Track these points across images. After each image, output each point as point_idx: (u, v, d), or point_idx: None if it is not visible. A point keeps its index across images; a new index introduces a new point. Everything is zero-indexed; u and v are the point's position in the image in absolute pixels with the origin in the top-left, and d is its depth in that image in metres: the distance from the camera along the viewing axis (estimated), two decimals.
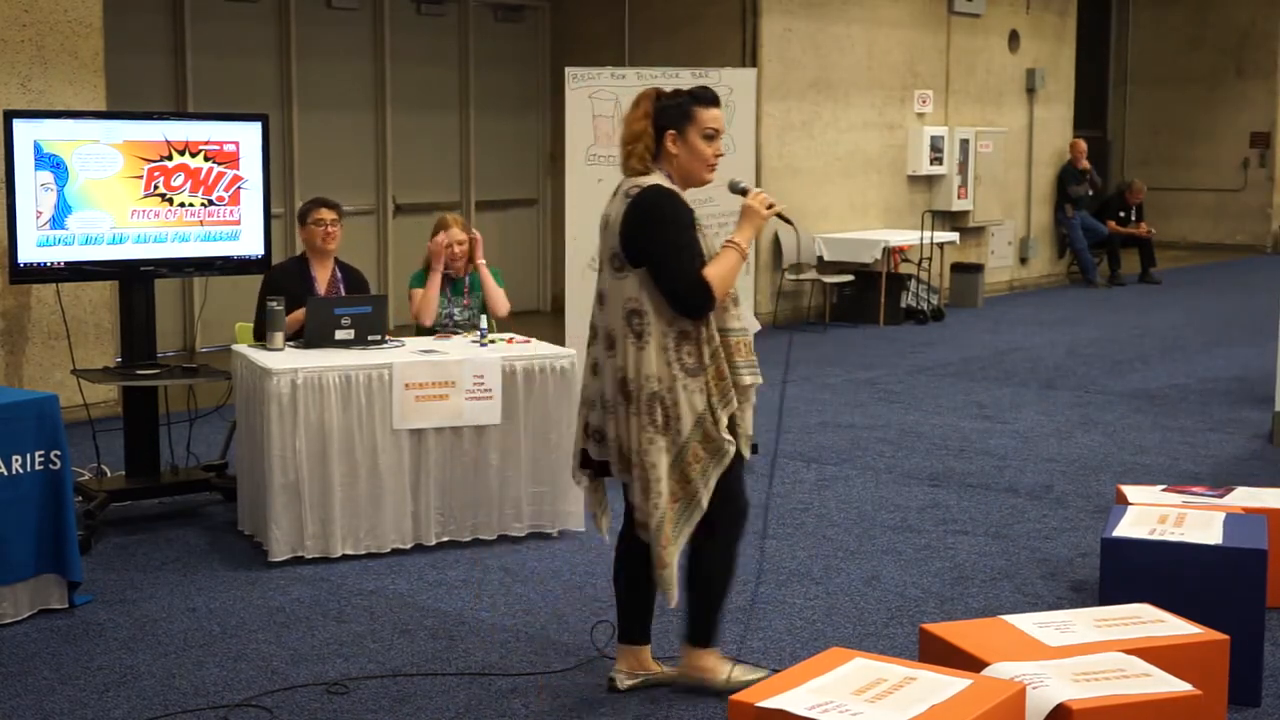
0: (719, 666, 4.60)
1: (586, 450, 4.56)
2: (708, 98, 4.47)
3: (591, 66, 7.84)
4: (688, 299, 4.32)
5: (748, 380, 4.45)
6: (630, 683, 4.63)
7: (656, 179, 4.43)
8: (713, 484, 4.40)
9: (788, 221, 4.66)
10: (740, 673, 4.56)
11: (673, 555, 4.40)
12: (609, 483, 4.65)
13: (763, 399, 4.83)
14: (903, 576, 5.84)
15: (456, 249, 7.05)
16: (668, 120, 4.43)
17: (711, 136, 4.45)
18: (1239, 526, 4.88)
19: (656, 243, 4.33)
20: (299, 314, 6.50)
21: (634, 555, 4.55)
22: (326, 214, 6.93)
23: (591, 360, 4.53)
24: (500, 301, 7.11)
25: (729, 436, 4.39)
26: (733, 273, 4.39)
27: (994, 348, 12.08)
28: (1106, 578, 4.73)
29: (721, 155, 4.50)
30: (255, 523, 6.19)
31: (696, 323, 4.35)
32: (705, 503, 4.40)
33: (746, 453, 4.50)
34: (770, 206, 4.51)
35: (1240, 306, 14.51)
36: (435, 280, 7.00)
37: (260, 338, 6.53)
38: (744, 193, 4.59)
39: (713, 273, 4.34)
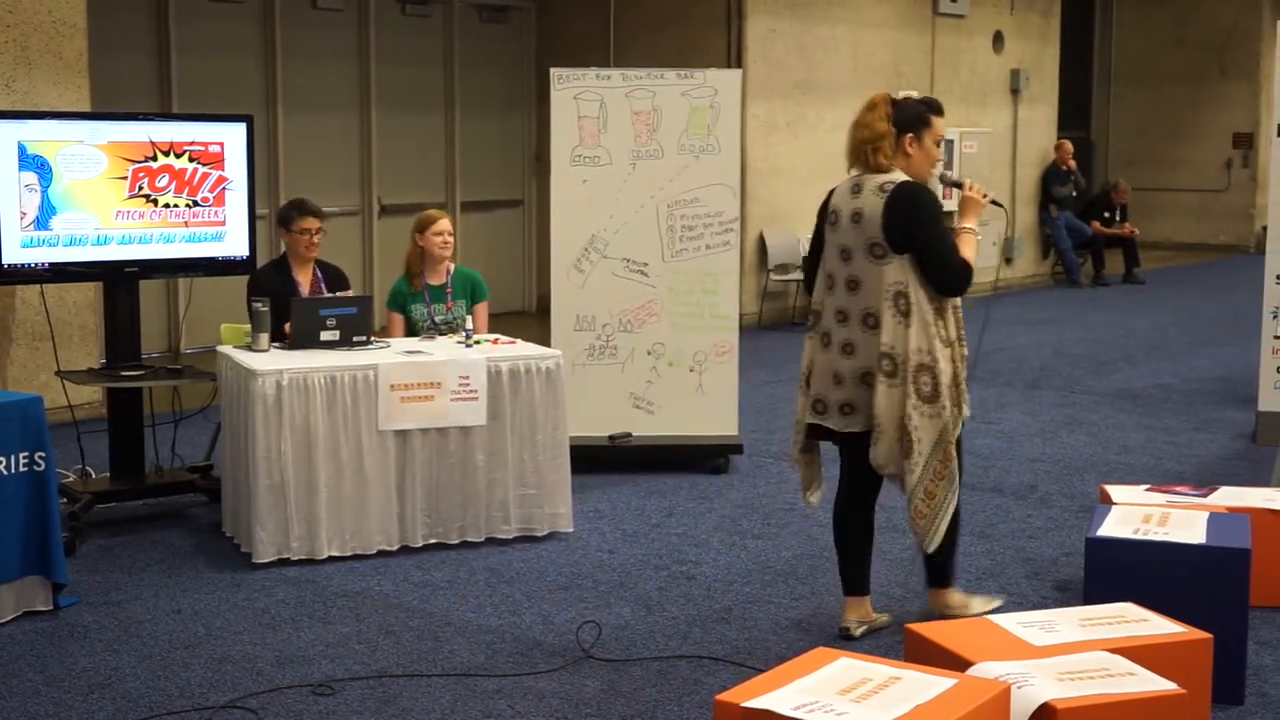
0: (962, 600, 5.28)
1: (816, 425, 5.07)
2: (940, 108, 5.09)
3: (577, 67, 7.83)
4: (955, 281, 4.88)
5: (966, 351, 5.02)
6: (861, 629, 5.11)
7: (899, 175, 4.92)
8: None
9: (999, 205, 5.29)
10: (979, 603, 5.27)
11: (943, 508, 4.93)
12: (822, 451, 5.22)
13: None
14: (888, 576, 5.84)
15: (447, 238, 7.10)
16: (908, 125, 4.98)
17: (939, 142, 5.05)
18: (1222, 526, 4.89)
19: (925, 233, 4.85)
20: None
21: (855, 513, 5.13)
22: (313, 223, 6.91)
23: (841, 340, 4.97)
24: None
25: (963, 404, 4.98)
26: (976, 253, 5.00)
27: (978, 348, 12.09)
28: (1091, 577, 4.74)
29: (941, 159, 5.13)
30: (240, 524, 6.17)
31: (945, 300, 4.91)
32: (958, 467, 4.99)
33: (968, 411, 5.05)
34: (985, 195, 5.16)
35: (1224, 306, 14.56)
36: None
37: None
38: (958, 185, 5.20)
39: (968, 255, 4.94)
